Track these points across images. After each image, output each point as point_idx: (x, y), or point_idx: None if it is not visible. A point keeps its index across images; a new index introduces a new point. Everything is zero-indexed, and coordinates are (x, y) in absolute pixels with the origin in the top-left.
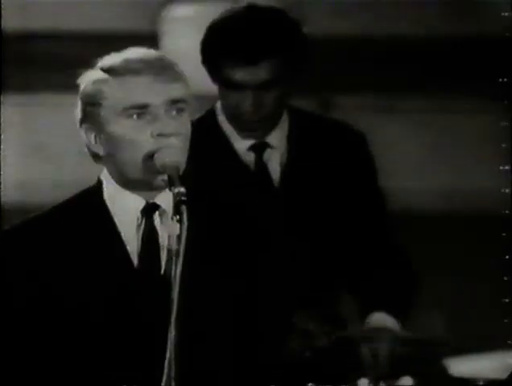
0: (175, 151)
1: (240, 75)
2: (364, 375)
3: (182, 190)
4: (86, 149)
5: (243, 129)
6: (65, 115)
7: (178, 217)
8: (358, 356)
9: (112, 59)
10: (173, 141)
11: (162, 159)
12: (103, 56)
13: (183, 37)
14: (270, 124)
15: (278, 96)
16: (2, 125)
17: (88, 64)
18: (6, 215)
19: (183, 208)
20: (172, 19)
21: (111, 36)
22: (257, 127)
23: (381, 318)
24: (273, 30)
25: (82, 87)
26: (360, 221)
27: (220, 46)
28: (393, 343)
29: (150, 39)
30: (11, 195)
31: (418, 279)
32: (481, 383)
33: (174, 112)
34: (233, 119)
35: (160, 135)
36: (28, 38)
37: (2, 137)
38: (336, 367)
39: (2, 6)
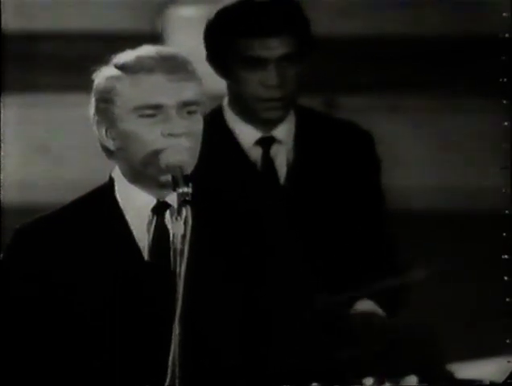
0: (179, 151)
1: (262, 49)
2: (366, 371)
3: (186, 190)
4: (99, 144)
5: (264, 110)
6: (66, 114)
7: (182, 217)
8: (351, 330)
9: (125, 56)
10: (183, 141)
11: (166, 159)
12: (104, 56)
13: (186, 37)
14: (285, 111)
15: (298, 74)
16: (2, 124)
17: (89, 64)
18: (7, 214)
19: (188, 208)
20: (175, 19)
21: (113, 36)
22: (279, 106)
23: (367, 304)
24: (287, 9)
25: (96, 83)
26: (359, 220)
27: (239, 23)
28: (381, 330)
29: (153, 40)
30: (12, 195)
31: (403, 280)
32: (487, 382)
33: (185, 113)
34: (253, 104)
35: (171, 135)
36: (28, 38)
37: (3, 136)
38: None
39: (2, 6)
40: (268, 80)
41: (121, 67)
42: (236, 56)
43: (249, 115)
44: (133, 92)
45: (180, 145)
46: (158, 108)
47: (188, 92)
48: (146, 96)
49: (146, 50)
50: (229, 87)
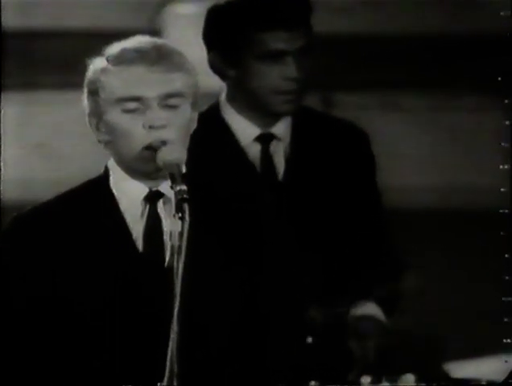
0: (175, 148)
1: (281, 42)
2: (358, 369)
3: (184, 187)
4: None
5: (279, 104)
6: (65, 113)
7: (180, 214)
8: (348, 349)
9: (113, 47)
10: (165, 133)
11: (163, 157)
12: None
13: (185, 35)
14: (297, 104)
15: (310, 67)
16: (2, 123)
17: (88, 63)
18: (7, 213)
19: (185, 206)
20: (173, 17)
21: (112, 34)
22: (294, 99)
23: (366, 306)
24: (301, 1)
25: (87, 73)
26: (356, 217)
27: (257, 16)
28: (380, 334)
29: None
30: (11, 193)
31: (403, 277)
32: (484, 383)
33: (168, 105)
34: (266, 97)
35: (151, 127)
36: (28, 36)
37: (2, 134)
38: (330, 360)
39: (2, 5)
40: (288, 72)
41: (107, 59)
42: (252, 49)
43: (253, 110)
44: (115, 84)
45: (171, 141)
46: (138, 100)
47: (171, 83)
48: (126, 88)
49: (134, 41)
50: (233, 81)
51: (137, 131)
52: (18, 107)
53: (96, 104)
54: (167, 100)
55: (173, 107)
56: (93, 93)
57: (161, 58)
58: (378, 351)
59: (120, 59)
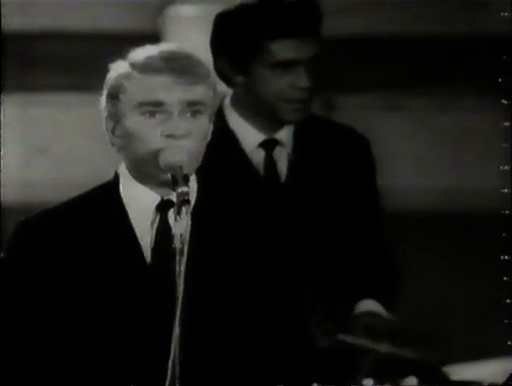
0: (180, 151)
1: (293, 51)
2: (369, 362)
3: (185, 189)
4: (107, 139)
5: (288, 112)
6: (66, 114)
7: (182, 216)
8: (354, 348)
9: (138, 53)
10: (183, 142)
11: (166, 159)
12: (104, 56)
13: (187, 37)
14: (307, 112)
15: (319, 75)
16: (3, 124)
17: (89, 64)
18: (7, 215)
19: (187, 208)
20: (175, 19)
21: (112, 36)
22: (304, 107)
23: (370, 304)
24: (313, 9)
25: (108, 77)
26: (356, 222)
27: (270, 24)
28: (386, 328)
29: (153, 39)
30: (12, 195)
31: (401, 278)
32: (486, 384)
33: (188, 114)
34: (275, 105)
35: (170, 136)
36: (28, 38)
37: (2, 137)
38: (332, 363)
39: (2, 6)
40: (299, 82)
41: (132, 65)
42: (261, 57)
43: (259, 116)
44: (138, 90)
45: (180, 146)
46: (159, 105)
47: (194, 92)
48: (149, 93)
49: (159, 49)
50: (241, 87)
51: (153, 138)
52: (18, 109)
53: (115, 108)
54: (189, 109)
55: (193, 116)
56: (113, 97)
57: (188, 70)
58: (388, 345)
59: (146, 68)
